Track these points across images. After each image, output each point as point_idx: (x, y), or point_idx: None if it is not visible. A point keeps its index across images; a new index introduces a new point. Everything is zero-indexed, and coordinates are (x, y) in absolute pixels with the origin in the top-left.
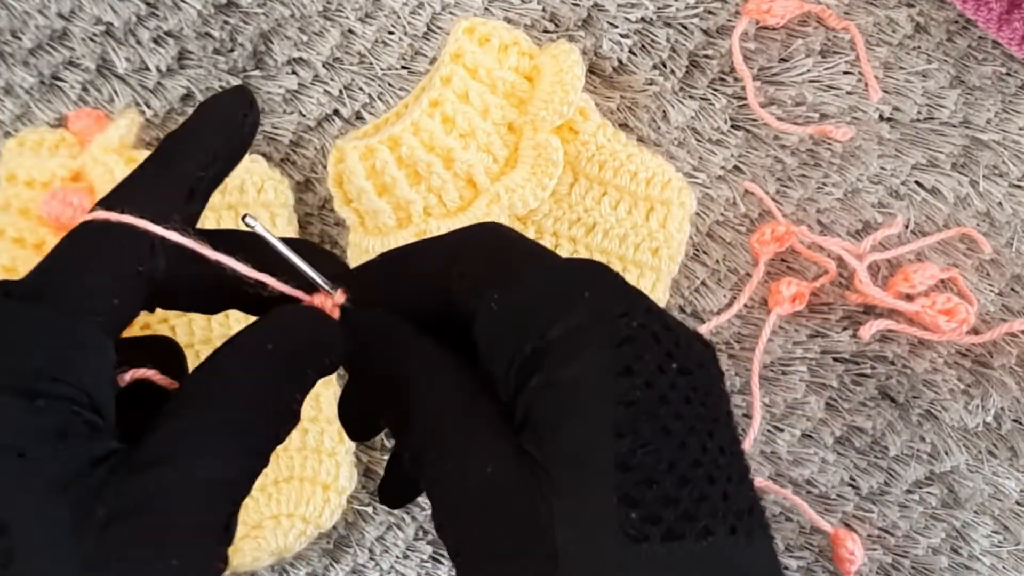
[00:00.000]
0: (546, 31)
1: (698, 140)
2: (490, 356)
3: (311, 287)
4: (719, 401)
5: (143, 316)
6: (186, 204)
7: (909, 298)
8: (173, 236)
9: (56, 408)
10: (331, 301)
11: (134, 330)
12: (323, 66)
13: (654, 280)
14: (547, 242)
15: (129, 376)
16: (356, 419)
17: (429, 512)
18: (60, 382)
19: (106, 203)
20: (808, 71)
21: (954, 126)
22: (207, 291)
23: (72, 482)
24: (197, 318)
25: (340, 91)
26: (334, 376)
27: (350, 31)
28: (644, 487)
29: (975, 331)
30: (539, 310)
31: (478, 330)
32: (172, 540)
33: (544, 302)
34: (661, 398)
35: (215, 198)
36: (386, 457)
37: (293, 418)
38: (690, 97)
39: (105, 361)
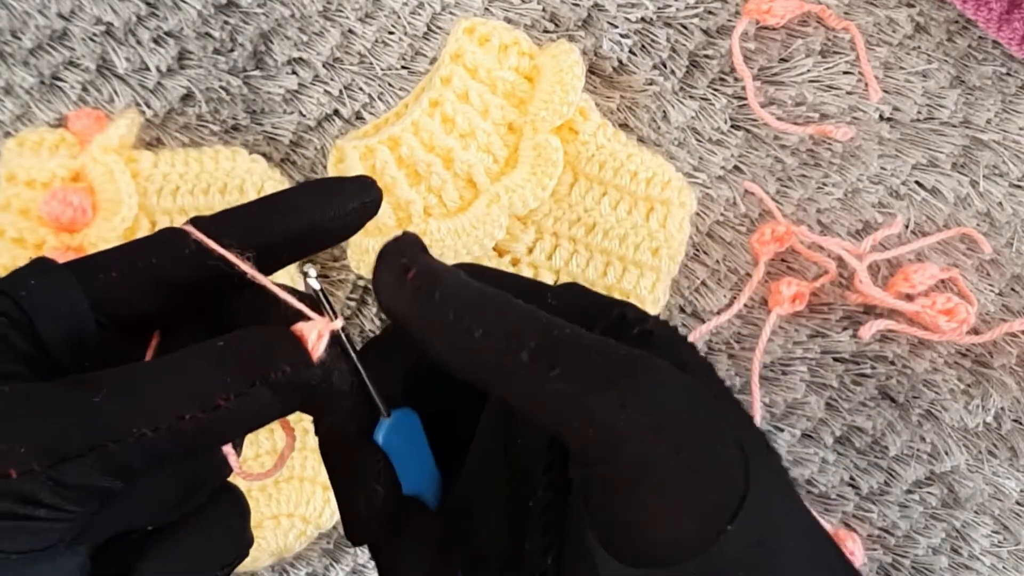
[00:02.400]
0: (546, 31)
1: (698, 140)
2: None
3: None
4: None
5: None
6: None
7: (909, 298)
8: (207, 241)
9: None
10: (318, 330)
11: None
12: (323, 66)
13: (654, 280)
14: (547, 242)
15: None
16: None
17: None
18: (3, 295)
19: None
20: (808, 71)
21: (954, 126)
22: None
23: None
24: None
25: (340, 91)
26: None
27: (350, 31)
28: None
29: (975, 331)
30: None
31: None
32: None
33: (591, 300)
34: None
35: (215, 198)
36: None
37: (210, 409)
38: (690, 97)
39: (65, 303)
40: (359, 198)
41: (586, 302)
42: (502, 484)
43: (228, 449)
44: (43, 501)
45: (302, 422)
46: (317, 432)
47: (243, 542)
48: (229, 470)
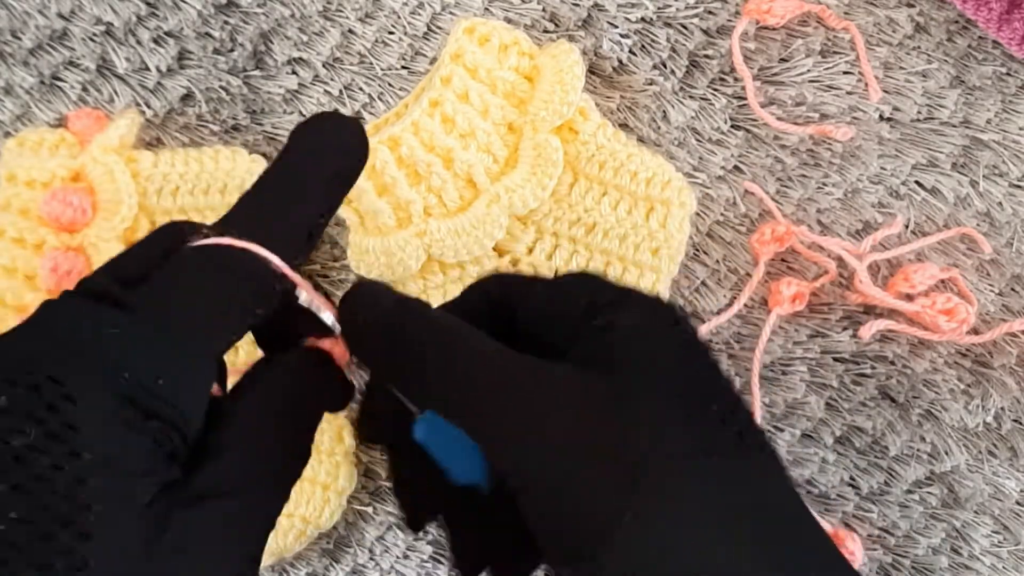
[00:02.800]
0: (546, 31)
1: (698, 140)
2: (543, 323)
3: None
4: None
5: None
6: (305, 247)
7: (909, 298)
8: (298, 279)
9: (165, 432)
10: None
11: None
12: (323, 66)
13: (654, 280)
14: (547, 242)
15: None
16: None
17: None
18: (170, 405)
19: (236, 231)
20: (808, 71)
21: (954, 126)
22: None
23: (156, 500)
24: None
25: (340, 91)
26: None
27: (350, 31)
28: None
29: (975, 331)
30: (583, 288)
31: (529, 309)
32: (218, 567)
33: (585, 285)
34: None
35: (215, 198)
36: (387, 458)
37: (308, 455)
38: (690, 97)
39: (206, 388)
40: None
41: (572, 287)
42: None
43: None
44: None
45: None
46: (361, 441)
47: None
48: None
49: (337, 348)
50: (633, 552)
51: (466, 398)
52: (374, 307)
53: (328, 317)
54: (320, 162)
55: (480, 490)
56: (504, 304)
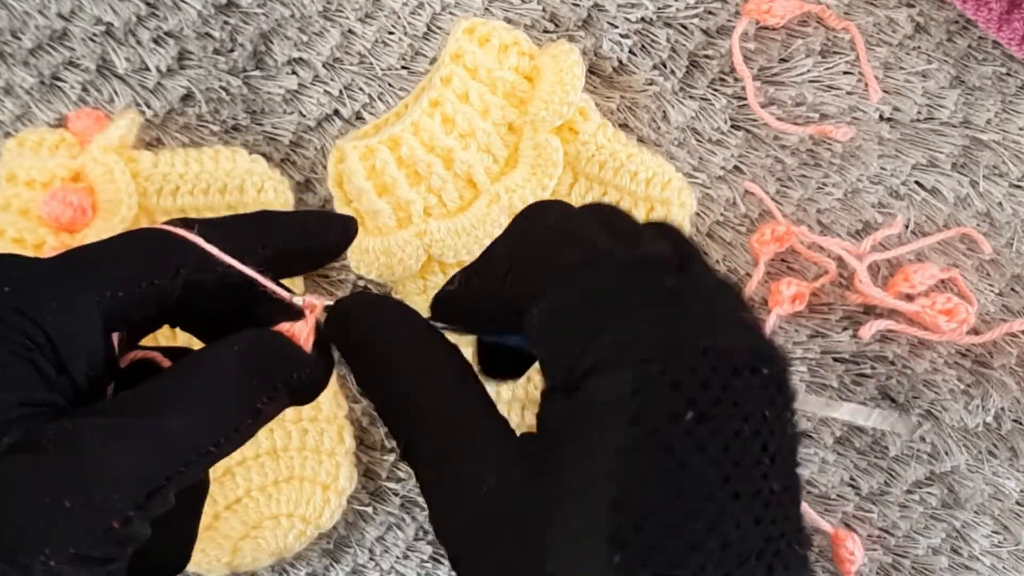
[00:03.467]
0: (546, 31)
1: (698, 140)
2: (541, 364)
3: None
4: (752, 442)
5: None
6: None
7: (909, 298)
8: (245, 269)
9: (10, 339)
10: (307, 323)
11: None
12: (323, 66)
13: None
14: None
15: (132, 355)
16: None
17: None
18: (27, 319)
19: (181, 223)
20: (808, 71)
21: (954, 126)
22: (214, 311)
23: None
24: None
25: (340, 91)
26: (333, 378)
27: (350, 31)
28: (633, 531)
29: (975, 331)
30: (576, 328)
31: (528, 340)
32: (74, 483)
33: (580, 322)
34: (666, 447)
35: (215, 198)
36: (387, 458)
37: (255, 415)
38: (690, 97)
39: (87, 328)
40: (343, 233)
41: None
42: None
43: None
44: (138, 536)
45: (300, 422)
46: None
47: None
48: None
49: (299, 333)
50: None
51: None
52: (365, 324)
53: (297, 300)
54: (301, 223)
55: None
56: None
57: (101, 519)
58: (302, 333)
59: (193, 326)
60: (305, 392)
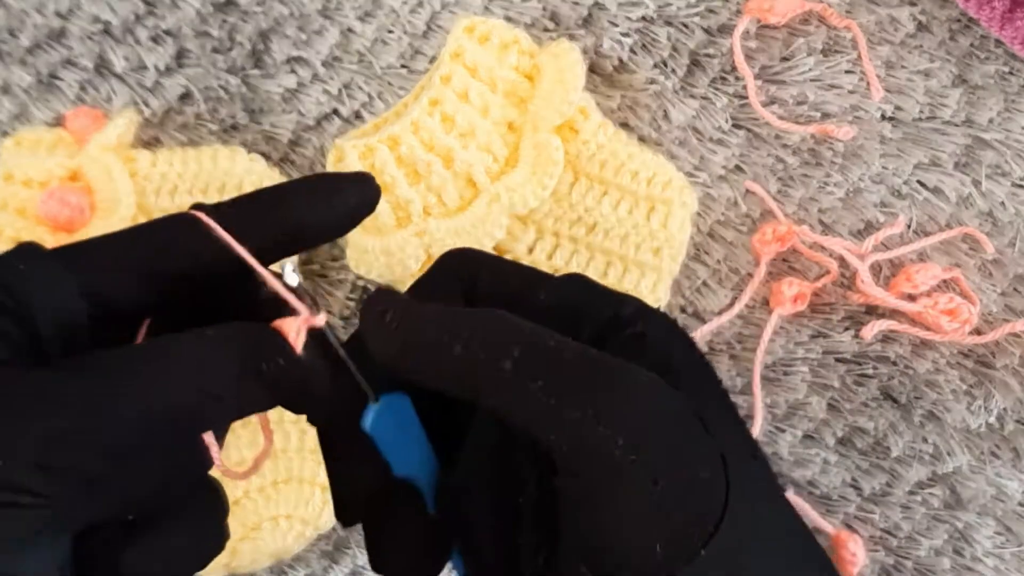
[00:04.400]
0: (546, 30)
1: (699, 139)
2: (553, 322)
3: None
4: None
5: None
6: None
7: (911, 298)
8: (252, 260)
9: None
10: (299, 323)
11: None
12: (322, 65)
13: (655, 280)
14: (548, 242)
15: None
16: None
17: None
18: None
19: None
20: (810, 70)
21: (956, 125)
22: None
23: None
24: None
25: (339, 90)
26: None
27: (349, 30)
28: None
29: (978, 331)
30: (598, 296)
31: (537, 306)
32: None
33: (595, 292)
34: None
35: (214, 197)
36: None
37: (201, 397)
38: (691, 96)
39: (57, 295)
40: (358, 195)
41: (583, 298)
42: (496, 476)
43: (210, 441)
44: (25, 486)
45: (299, 422)
46: (309, 421)
47: (222, 537)
48: (210, 463)
49: (288, 329)
50: (732, 550)
51: (549, 388)
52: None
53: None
54: (313, 192)
55: (418, 487)
56: (471, 284)
57: None
58: (291, 329)
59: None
60: (290, 392)
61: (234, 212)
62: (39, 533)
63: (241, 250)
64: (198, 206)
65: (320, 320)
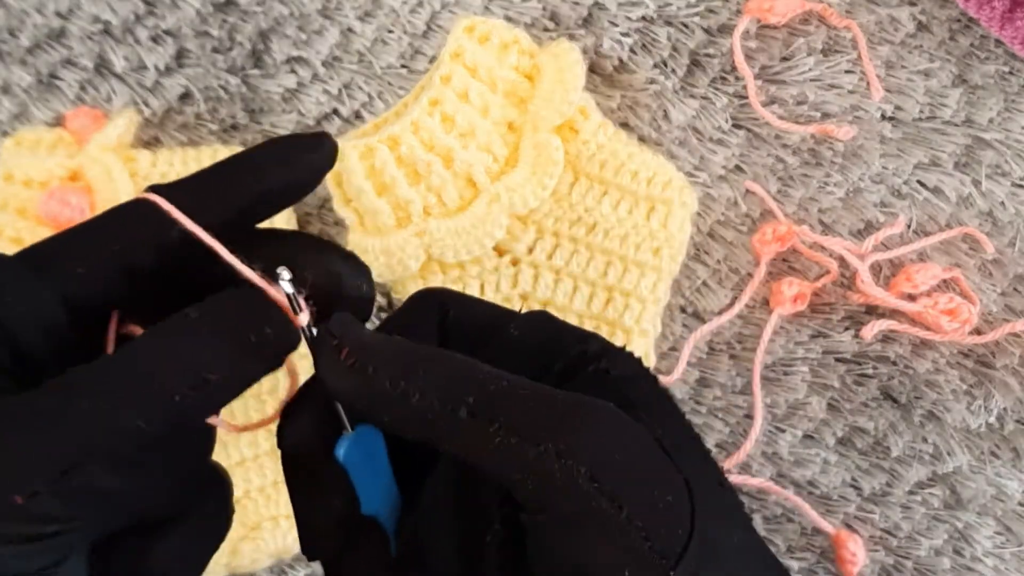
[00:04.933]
0: (547, 30)
1: (699, 139)
2: (520, 357)
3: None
4: None
5: None
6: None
7: (911, 298)
8: (187, 222)
9: None
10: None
11: None
12: (322, 65)
13: (655, 280)
14: (547, 242)
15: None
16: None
17: None
18: None
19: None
20: (810, 70)
21: (956, 125)
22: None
23: None
24: None
25: (339, 90)
26: None
27: (349, 30)
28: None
29: (977, 331)
30: (563, 333)
31: (504, 341)
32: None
33: (558, 331)
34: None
35: None
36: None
37: (200, 387)
38: (691, 96)
39: (30, 307)
40: (316, 151)
41: (548, 335)
42: (460, 515)
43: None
44: (52, 515)
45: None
46: (280, 444)
47: (228, 527)
48: (212, 445)
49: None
50: (701, 568)
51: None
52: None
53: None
54: (264, 155)
55: (381, 525)
56: (443, 319)
57: (2, 495)
58: (276, 295)
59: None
60: (282, 357)
61: (193, 187)
62: (66, 557)
63: (200, 232)
64: (155, 188)
65: (302, 319)
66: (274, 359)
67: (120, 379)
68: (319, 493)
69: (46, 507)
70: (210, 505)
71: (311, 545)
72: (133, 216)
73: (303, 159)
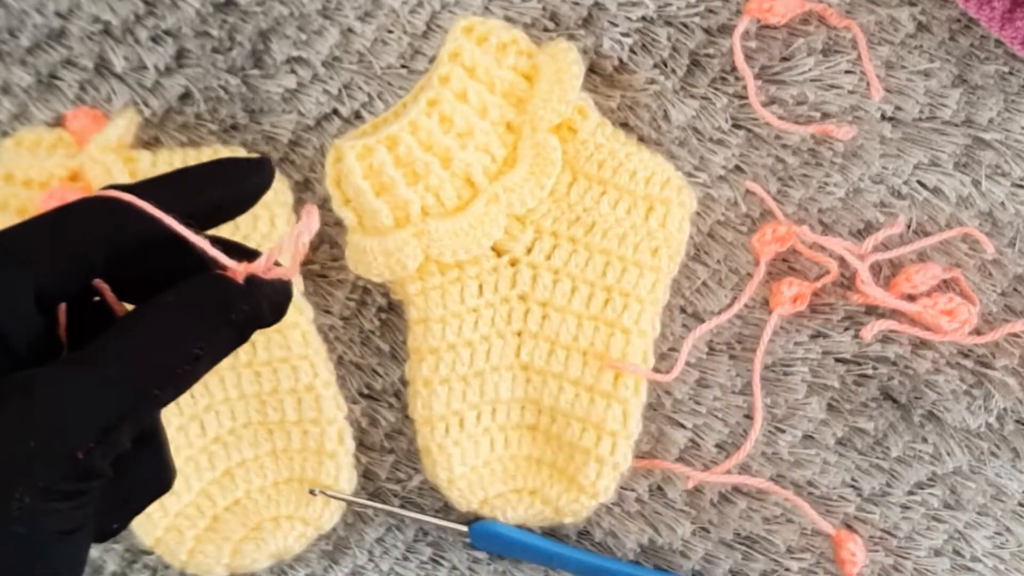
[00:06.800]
0: (546, 30)
1: (699, 139)
2: None
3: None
4: None
5: None
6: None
7: (911, 298)
8: (151, 210)
9: None
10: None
11: None
12: (322, 65)
13: (654, 280)
14: (546, 242)
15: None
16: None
17: (429, 514)
18: None
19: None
20: (810, 70)
21: (956, 125)
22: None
23: None
24: None
25: (339, 90)
26: (333, 378)
27: (349, 30)
28: None
29: (977, 331)
30: None
31: None
32: (34, 424)
33: None
34: None
35: None
36: (386, 459)
37: (193, 360)
38: (691, 96)
39: (10, 296)
40: (258, 175)
41: None
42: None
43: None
44: (97, 471)
45: (301, 423)
46: None
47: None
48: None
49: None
50: None
51: None
52: None
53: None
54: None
55: None
56: None
57: (64, 453)
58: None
59: (137, 295)
60: (253, 327)
61: (146, 190)
62: (90, 519)
63: (166, 217)
64: (111, 186)
65: (257, 266)
66: (247, 331)
67: (138, 354)
68: None
69: (98, 463)
70: (157, 458)
71: None
72: (93, 211)
73: (246, 179)
